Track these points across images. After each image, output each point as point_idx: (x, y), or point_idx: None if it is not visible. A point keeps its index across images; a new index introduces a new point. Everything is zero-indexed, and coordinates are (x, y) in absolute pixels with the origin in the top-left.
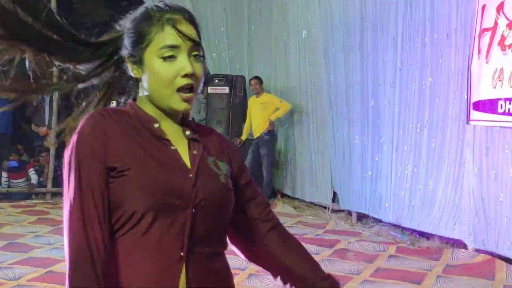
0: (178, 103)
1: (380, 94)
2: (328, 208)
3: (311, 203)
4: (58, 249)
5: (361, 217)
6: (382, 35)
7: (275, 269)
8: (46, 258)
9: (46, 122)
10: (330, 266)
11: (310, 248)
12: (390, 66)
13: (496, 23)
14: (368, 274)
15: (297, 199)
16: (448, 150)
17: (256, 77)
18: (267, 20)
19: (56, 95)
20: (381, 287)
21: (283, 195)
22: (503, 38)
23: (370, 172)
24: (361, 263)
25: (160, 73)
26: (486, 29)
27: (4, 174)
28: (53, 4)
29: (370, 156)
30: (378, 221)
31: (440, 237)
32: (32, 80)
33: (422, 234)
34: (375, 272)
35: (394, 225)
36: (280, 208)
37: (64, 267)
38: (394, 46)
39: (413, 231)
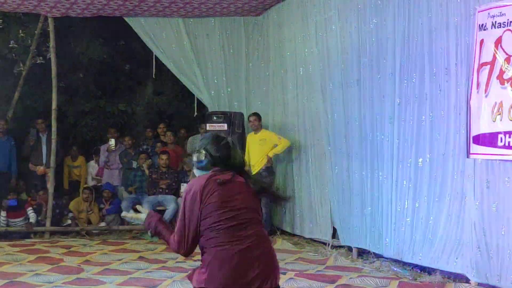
0: None
1: (378, 129)
2: (328, 244)
3: (311, 239)
4: (58, 287)
5: (362, 252)
6: (380, 70)
7: None
8: None
9: (44, 161)
10: None
11: (311, 284)
12: (389, 101)
13: (494, 58)
14: None
15: (297, 235)
16: (448, 184)
17: (255, 114)
18: (265, 57)
19: (54, 134)
20: None
21: (283, 232)
22: (501, 72)
23: (370, 208)
24: None
25: None
26: (485, 63)
27: (3, 213)
28: (51, 43)
29: (369, 191)
30: (379, 256)
31: (442, 272)
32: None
33: (423, 269)
34: None
35: (395, 260)
36: (279, 244)
37: None
38: (392, 81)
39: (415, 265)
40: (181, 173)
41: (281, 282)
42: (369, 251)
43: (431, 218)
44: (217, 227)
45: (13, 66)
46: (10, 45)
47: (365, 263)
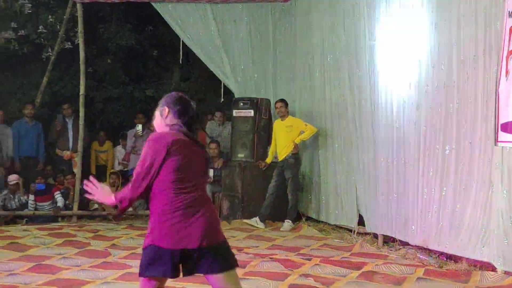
0: None
1: (405, 116)
2: (354, 231)
3: (336, 226)
4: (85, 270)
5: (388, 239)
6: (408, 58)
7: None
8: (73, 279)
9: (70, 146)
10: None
11: (337, 270)
12: (416, 88)
13: None
14: None
15: (322, 222)
16: (476, 172)
17: (282, 100)
18: (292, 44)
19: (81, 119)
20: None
21: (308, 218)
22: None
23: (396, 195)
24: (389, 285)
25: None
26: None
27: (31, 197)
28: (80, 28)
29: (395, 178)
30: (405, 243)
31: (468, 260)
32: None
33: (450, 257)
34: None
35: (421, 248)
36: (305, 231)
37: None
38: (420, 68)
39: (441, 253)
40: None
41: (306, 268)
42: (394, 239)
43: (458, 206)
44: (171, 186)
45: (41, 51)
46: (39, 30)
47: (391, 250)
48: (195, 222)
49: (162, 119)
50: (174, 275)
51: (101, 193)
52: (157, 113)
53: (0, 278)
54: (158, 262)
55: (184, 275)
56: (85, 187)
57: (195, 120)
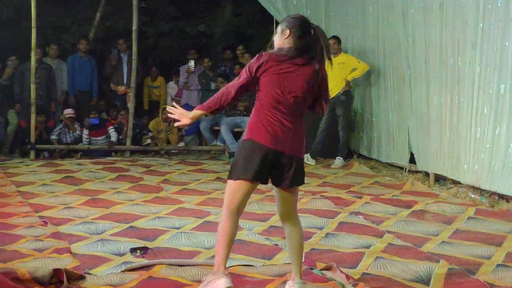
0: None
1: (460, 54)
2: (405, 169)
3: (387, 163)
4: (139, 205)
5: (439, 178)
6: None
7: None
8: (127, 213)
9: (125, 81)
10: (407, 226)
11: (387, 208)
12: (472, 25)
13: None
14: (447, 236)
15: (373, 159)
16: None
17: (334, 37)
18: None
19: (135, 55)
20: (459, 248)
21: (359, 156)
22: None
23: (448, 133)
24: (439, 224)
25: None
26: None
27: (85, 132)
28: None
29: (448, 117)
30: (456, 182)
31: None
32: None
33: (501, 197)
34: (454, 233)
35: (473, 187)
36: (356, 168)
37: (144, 223)
38: (476, 5)
39: (493, 193)
40: None
41: (356, 206)
42: (446, 177)
43: (511, 145)
44: (270, 102)
45: None
46: None
47: (442, 189)
48: (288, 134)
49: (282, 39)
50: (263, 177)
51: (180, 112)
52: (278, 29)
53: (57, 211)
54: (252, 158)
55: (272, 183)
56: (168, 109)
57: (316, 44)
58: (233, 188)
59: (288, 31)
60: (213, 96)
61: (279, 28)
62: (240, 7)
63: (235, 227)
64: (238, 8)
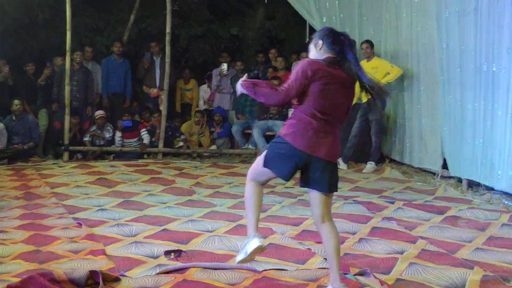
0: None
1: (495, 59)
2: (437, 174)
3: (419, 168)
4: (172, 208)
5: (472, 184)
6: (499, 0)
7: None
8: (160, 216)
9: (157, 84)
10: (440, 232)
11: (420, 214)
12: (508, 31)
13: None
14: (481, 242)
15: (405, 164)
16: None
17: (368, 41)
18: None
19: (168, 57)
20: (494, 255)
21: (391, 160)
22: None
23: (482, 139)
24: (473, 230)
25: None
26: None
27: (118, 134)
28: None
29: (482, 122)
30: (490, 189)
31: None
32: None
33: None
34: (488, 240)
35: (507, 194)
36: (388, 173)
37: (177, 226)
38: (511, 10)
39: None
40: None
41: (389, 211)
42: (479, 183)
43: None
44: (312, 109)
45: None
46: None
47: (475, 195)
48: (323, 139)
49: (317, 51)
50: (289, 177)
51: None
52: (311, 46)
53: (91, 213)
54: (286, 161)
55: (301, 184)
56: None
57: (348, 47)
58: (262, 170)
59: (320, 42)
60: (265, 91)
61: (312, 42)
62: (273, 10)
63: (260, 193)
64: (270, 12)
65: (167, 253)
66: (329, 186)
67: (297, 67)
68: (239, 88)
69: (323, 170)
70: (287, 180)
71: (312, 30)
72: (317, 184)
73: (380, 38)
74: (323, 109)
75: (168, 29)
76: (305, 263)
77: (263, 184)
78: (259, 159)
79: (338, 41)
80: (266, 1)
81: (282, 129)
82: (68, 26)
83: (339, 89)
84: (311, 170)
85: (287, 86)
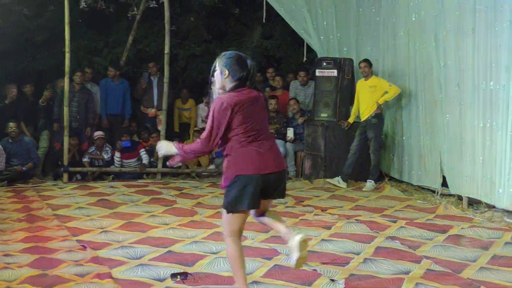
0: None
1: (493, 78)
2: (437, 192)
3: (418, 186)
4: (175, 229)
5: (472, 202)
6: (496, 19)
7: None
8: (164, 238)
9: (155, 104)
10: (444, 252)
11: (422, 233)
12: (505, 50)
13: None
14: (485, 261)
15: (405, 182)
16: None
17: (366, 60)
18: (376, 3)
19: (166, 78)
20: (499, 274)
21: (391, 178)
22: None
23: (481, 157)
24: (477, 249)
25: None
26: None
27: (117, 154)
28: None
29: (481, 140)
30: (490, 206)
31: None
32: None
33: None
34: (492, 259)
35: (508, 211)
36: (388, 191)
37: (181, 247)
38: (509, 29)
39: None
40: (289, 118)
41: (392, 231)
42: (479, 201)
43: None
44: (241, 133)
45: (127, 10)
46: None
47: (476, 212)
48: (266, 152)
49: (223, 80)
50: (258, 204)
51: (164, 146)
52: (217, 73)
53: (95, 235)
54: (246, 190)
55: (262, 199)
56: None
57: (253, 75)
58: (231, 217)
59: (227, 71)
60: (192, 147)
61: (217, 69)
62: (270, 29)
63: (242, 248)
64: (268, 31)
65: (174, 275)
66: (284, 192)
67: (214, 112)
68: (161, 152)
69: (280, 181)
70: (257, 207)
71: (310, 49)
72: (278, 194)
73: (378, 57)
74: (251, 129)
75: (166, 50)
76: (311, 285)
77: (241, 233)
78: (224, 213)
79: (243, 69)
80: (263, 20)
81: (226, 173)
82: (67, 48)
83: (255, 106)
84: (272, 186)
85: (208, 133)
